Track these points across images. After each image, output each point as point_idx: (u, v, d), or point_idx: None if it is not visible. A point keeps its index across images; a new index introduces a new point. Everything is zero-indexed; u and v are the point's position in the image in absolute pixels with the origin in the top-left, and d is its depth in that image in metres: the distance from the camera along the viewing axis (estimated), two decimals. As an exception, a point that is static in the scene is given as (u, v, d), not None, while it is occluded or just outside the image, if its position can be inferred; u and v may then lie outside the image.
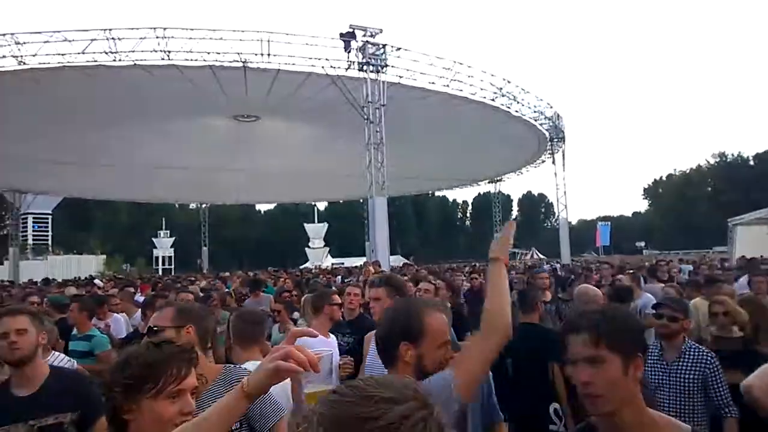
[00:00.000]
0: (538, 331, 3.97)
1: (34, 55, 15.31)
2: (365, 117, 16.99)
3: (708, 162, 69.32)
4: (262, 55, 16.02)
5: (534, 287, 6.17)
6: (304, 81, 16.90)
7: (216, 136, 23.13)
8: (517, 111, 22.21)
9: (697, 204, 65.40)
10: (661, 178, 75.53)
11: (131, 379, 1.37)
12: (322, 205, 59.47)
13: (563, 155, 28.38)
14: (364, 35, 17.18)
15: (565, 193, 28.55)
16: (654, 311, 3.46)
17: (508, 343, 1.78)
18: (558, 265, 22.69)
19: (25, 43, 15.33)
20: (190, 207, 58.18)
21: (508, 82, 21.23)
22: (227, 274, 21.87)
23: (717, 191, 65.10)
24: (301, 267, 38.38)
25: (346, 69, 17.04)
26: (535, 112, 23.58)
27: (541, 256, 48.37)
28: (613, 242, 65.64)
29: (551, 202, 76.80)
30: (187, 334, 2.10)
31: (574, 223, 57.23)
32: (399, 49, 17.81)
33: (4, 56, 15.32)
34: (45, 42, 15.29)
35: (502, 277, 1.90)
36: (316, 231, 45.71)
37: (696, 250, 41.57)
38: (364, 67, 17.01)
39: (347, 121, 18.11)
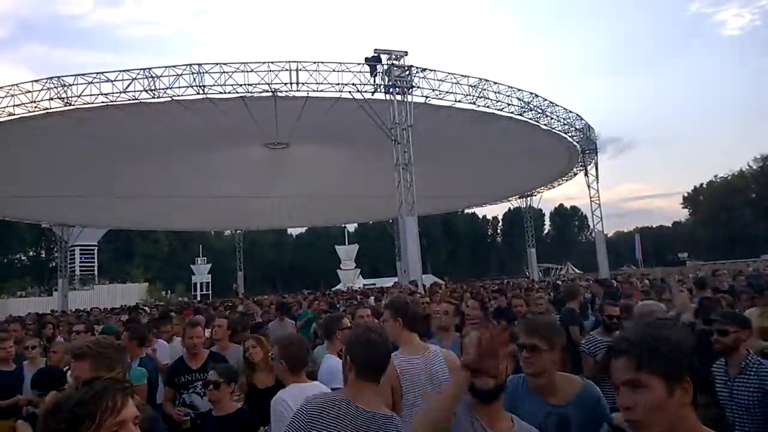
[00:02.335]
0: None
1: (78, 96, 16.21)
2: (393, 138, 17.22)
3: (750, 166, 66.97)
4: (291, 84, 16.54)
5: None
6: (332, 106, 17.33)
7: (248, 164, 23.81)
8: (546, 124, 22.09)
9: (741, 211, 63.07)
10: (701, 185, 73.24)
11: (66, 422, 1.29)
12: (352, 227, 59.99)
13: (596, 166, 28.00)
14: (389, 58, 17.52)
15: (599, 205, 28.10)
16: (705, 326, 3.32)
17: None
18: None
19: (71, 85, 16.27)
20: (225, 234, 59.53)
21: (536, 95, 21.21)
22: (264, 297, 22.24)
23: (761, 197, 62.69)
24: (333, 289, 38.63)
25: (373, 93, 17.36)
26: (564, 124, 23.39)
27: (577, 271, 47.34)
28: (654, 254, 63.96)
29: (585, 215, 75.57)
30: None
31: (610, 235, 55.90)
32: (424, 70, 18.07)
33: (52, 98, 16.27)
34: (89, 83, 16.19)
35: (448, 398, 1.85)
36: (348, 253, 46.00)
37: (743, 259, 40.01)
38: (391, 90, 17.30)
39: (375, 144, 18.40)
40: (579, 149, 26.08)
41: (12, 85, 16.75)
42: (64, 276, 33.70)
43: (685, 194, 75.16)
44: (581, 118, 24.85)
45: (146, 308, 16.59)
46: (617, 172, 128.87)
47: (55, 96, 16.34)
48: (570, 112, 23.71)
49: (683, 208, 76.35)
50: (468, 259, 73.01)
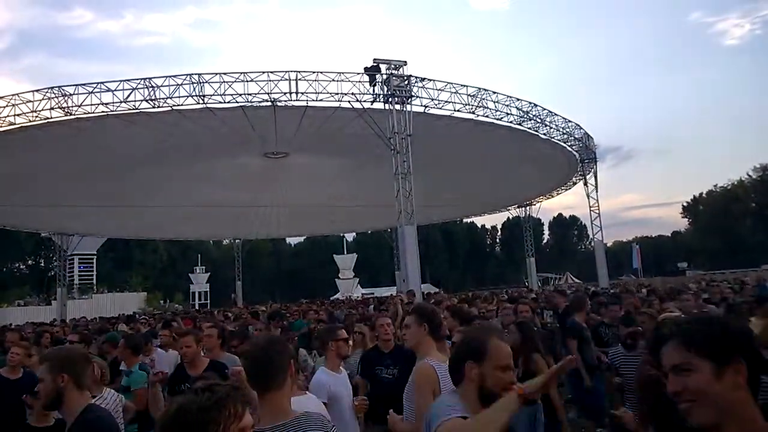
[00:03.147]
0: None
1: (79, 106, 16.28)
2: (392, 148, 17.26)
3: (750, 176, 67.10)
4: (290, 93, 16.62)
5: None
6: (331, 116, 17.40)
7: (247, 173, 23.85)
8: (545, 133, 22.17)
9: (740, 220, 63.12)
10: (701, 194, 73.35)
11: (190, 426, 1.29)
12: (350, 236, 59.98)
13: (595, 176, 28.06)
14: (388, 68, 17.60)
15: (599, 214, 28.11)
16: None
17: None
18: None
19: (72, 94, 16.35)
20: (224, 243, 59.47)
21: (534, 105, 21.32)
22: (263, 308, 22.18)
23: (761, 206, 62.77)
24: (332, 298, 38.55)
25: (372, 102, 17.42)
26: (563, 133, 23.47)
27: (576, 281, 47.32)
28: (654, 263, 63.92)
29: (584, 225, 75.60)
30: None
31: (609, 244, 55.91)
32: (423, 79, 18.15)
33: (52, 108, 16.34)
34: (90, 93, 16.26)
35: (501, 410, 1.78)
36: (346, 262, 45.98)
37: (743, 269, 39.99)
38: (390, 99, 17.37)
39: (374, 153, 18.44)
40: (578, 158, 26.12)
41: (13, 95, 16.83)
42: (62, 285, 33.58)
43: (685, 204, 75.30)
44: (580, 128, 24.94)
45: (144, 317, 16.55)
46: (617, 182, 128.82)
47: (56, 105, 16.40)
48: (569, 121, 23.81)
49: (683, 217, 76.46)
50: (467, 268, 72.93)
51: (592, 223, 28.58)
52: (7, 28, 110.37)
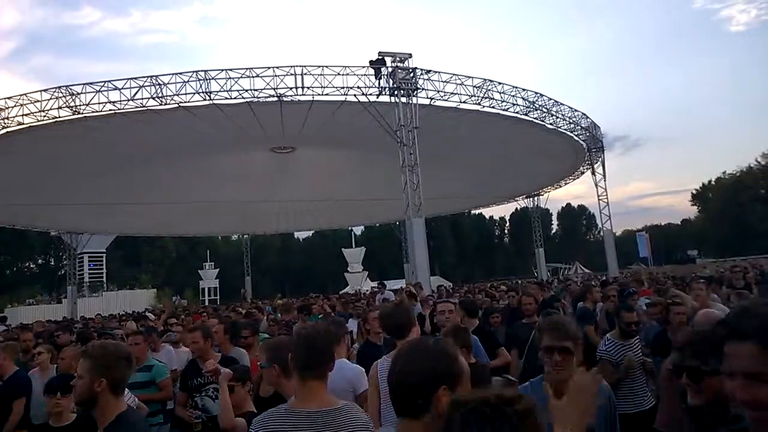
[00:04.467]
0: None
1: (87, 105, 16.34)
2: (398, 140, 17.24)
3: (758, 162, 66.45)
4: (296, 88, 16.61)
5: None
6: (337, 109, 17.38)
7: (254, 168, 23.91)
8: (551, 123, 22.06)
9: (750, 207, 62.57)
10: (710, 182, 72.75)
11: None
12: (358, 230, 59.97)
13: (603, 165, 27.90)
14: (394, 61, 17.54)
15: (607, 203, 28.00)
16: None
17: None
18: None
19: (79, 93, 16.42)
20: (233, 238, 59.69)
21: (540, 95, 21.20)
22: (280, 301, 22.27)
23: (771, 192, 62.21)
24: (341, 292, 38.63)
25: (378, 95, 17.39)
26: (570, 123, 23.35)
27: (586, 270, 47.12)
28: (664, 252, 63.56)
29: (593, 214, 75.22)
30: None
31: (619, 233, 55.57)
32: (429, 71, 18.08)
33: (60, 107, 16.42)
34: (97, 91, 16.33)
35: None
36: (354, 255, 45.99)
37: (753, 256, 39.69)
38: (396, 92, 17.33)
39: (381, 146, 18.42)
40: (585, 148, 26.00)
41: (21, 95, 16.93)
42: (73, 283, 33.89)
43: (694, 191, 74.74)
44: (587, 117, 24.81)
45: (152, 314, 16.64)
46: (625, 171, 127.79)
47: (64, 105, 16.49)
48: (575, 110, 23.67)
49: (692, 205, 75.89)
50: (476, 260, 72.84)
51: (600, 213, 28.46)
52: (16, 29, 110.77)
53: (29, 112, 16.78)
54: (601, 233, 34.26)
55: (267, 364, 2.77)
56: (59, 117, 16.64)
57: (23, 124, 16.88)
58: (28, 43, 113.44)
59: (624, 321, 4.41)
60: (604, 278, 18.74)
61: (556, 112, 22.29)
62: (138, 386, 4.44)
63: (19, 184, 20.90)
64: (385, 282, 19.47)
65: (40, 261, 62.25)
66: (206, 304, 39.89)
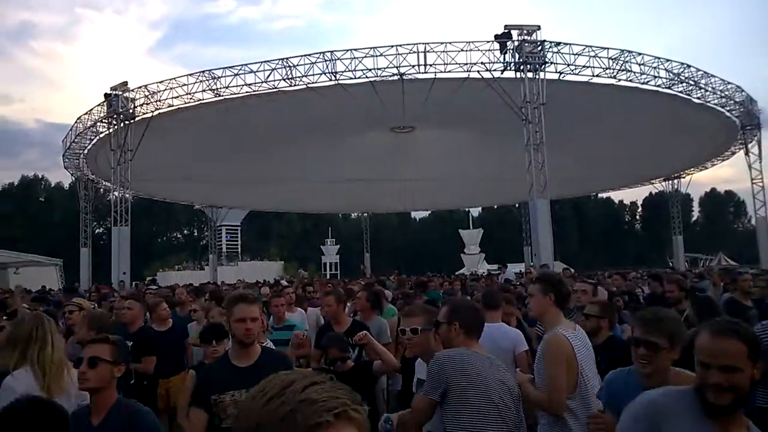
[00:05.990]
0: None
1: (226, 87, 17.73)
2: (523, 118, 16.53)
3: None
4: (418, 66, 16.55)
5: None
6: (459, 87, 17.05)
7: (375, 149, 24.37)
8: (699, 97, 19.78)
9: None
10: None
11: None
12: (475, 212, 59.04)
13: (759, 144, 24.60)
14: (520, 34, 16.80)
15: (762, 188, 24.66)
16: None
17: None
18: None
19: (220, 77, 17.85)
20: (352, 216, 61.98)
21: (687, 66, 19.05)
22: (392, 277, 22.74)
23: None
24: (457, 273, 38.43)
25: (503, 71, 16.81)
26: (722, 97, 20.77)
27: (731, 263, 42.02)
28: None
29: (742, 200, 66.80)
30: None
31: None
32: (558, 44, 17.05)
33: (203, 90, 18.00)
34: (235, 75, 17.63)
35: None
36: (472, 237, 45.31)
37: None
38: (522, 67, 16.59)
39: (503, 124, 17.80)
40: (738, 125, 23.14)
41: (170, 79, 18.82)
42: (214, 253, 37.60)
43: None
44: (741, 90, 21.91)
45: (284, 281, 17.79)
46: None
47: (207, 88, 18.04)
48: (728, 83, 20.98)
49: None
50: (601, 247, 68.37)
51: (754, 198, 25.14)
52: (163, 19, 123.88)
53: (177, 95, 18.59)
54: (752, 222, 30.30)
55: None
56: (203, 99, 18.25)
57: (173, 106, 18.76)
58: (173, 32, 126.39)
59: None
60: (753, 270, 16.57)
61: (705, 84, 19.96)
62: (280, 344, 4.73)
63: (168, 162, 23.27)
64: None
65: (185, 231, 69.69)
66: (328, 277, 42.02)
